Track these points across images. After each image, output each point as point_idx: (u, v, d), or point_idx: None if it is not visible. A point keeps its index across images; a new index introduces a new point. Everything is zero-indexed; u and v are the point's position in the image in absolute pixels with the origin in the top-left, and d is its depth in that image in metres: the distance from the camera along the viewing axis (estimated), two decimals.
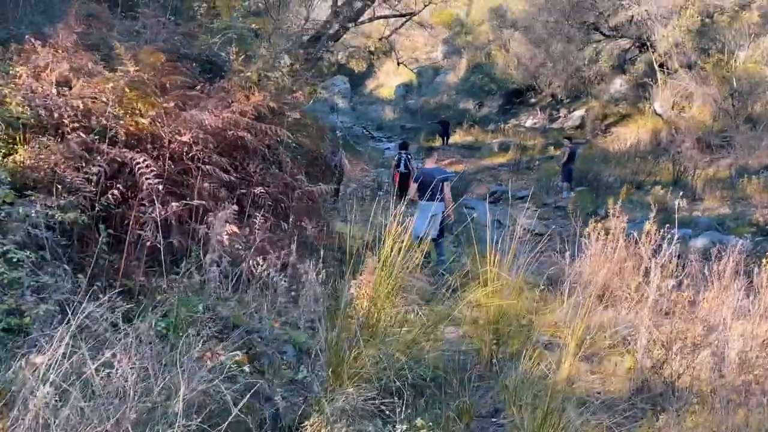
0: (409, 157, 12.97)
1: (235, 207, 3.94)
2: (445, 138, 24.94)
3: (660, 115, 20.15)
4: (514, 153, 20.76)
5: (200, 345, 2.76)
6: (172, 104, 4.56)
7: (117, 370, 2.35)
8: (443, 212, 7.46)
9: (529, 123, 26.90)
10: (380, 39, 17.98)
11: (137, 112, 4.47)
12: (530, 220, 11.05)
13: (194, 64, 6.20)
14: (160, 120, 4.52)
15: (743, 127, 17.04)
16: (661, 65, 19.98)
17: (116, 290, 3.00)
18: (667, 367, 3.93)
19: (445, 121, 25.69)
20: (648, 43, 20.03)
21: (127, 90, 4.39)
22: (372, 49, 32.25)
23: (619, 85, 23.37)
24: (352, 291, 4.61)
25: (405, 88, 38.67)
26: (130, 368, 2.34)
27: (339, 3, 16.62)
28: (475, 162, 20.73)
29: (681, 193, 6.76)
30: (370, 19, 16.74)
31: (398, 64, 20.92)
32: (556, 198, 14.86)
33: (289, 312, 4.13)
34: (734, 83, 17.76)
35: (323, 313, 3.66)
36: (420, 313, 4.70)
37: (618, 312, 5.70)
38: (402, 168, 12.50)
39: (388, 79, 39.51)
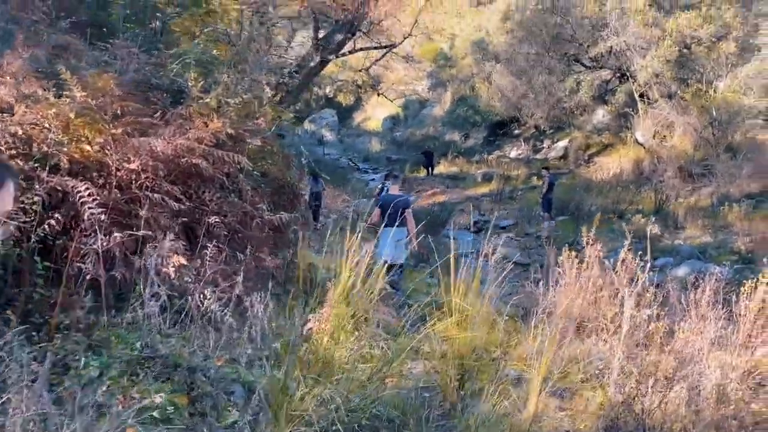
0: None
1: (172, 236, 3.71)
2: (430, 168, 24.94)
3: (642, 145, 20.22)
4: (498, 183, 20.75)
5: (106, 387, 2.50)
6: (120, 131, 4.36)
7: (12, 415, 2.11)
8: (406, 238, 7.41)
9: (513, 154, 26.98)
10: (359, 71, 18.00)
11: (83, 139, 4.27)
12: (508, 249, 10.87)
13: (166, 95, 6.06)
14: (108, 147, 4.32)
15: (724, 155, 17.10)
16: (641, 95, 20.13)
17: (26, 325, 2.73)
18: (638, 402, 3.71)
19: (428, 152, 25.71)
20: (628, 74, 20.21)
21: (72, 116, 4.20)
22: (359, 82, 32.49)
23: (601, 115, 23.52)
24: (310, 325, 4.40)
25: (392, 120, 38.91)
26: (26, 415, 2.09)
27: (320, 36, 16.65)
28: (459, 192, 20.68)
29: (654, 219, 6.60)
30: (351, 51, 16.78)
31: (378, 95, 20.96)
32: (538, 228, 14.74)
33: (240, 349, 3.89)
34: (714, 113, 17.88)
35: (271, 349, 3.42)
36: (384, 347, 4.48)
37: (594, 343, 5.49)
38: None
39: (376, 112, 39.79)
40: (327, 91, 39.51)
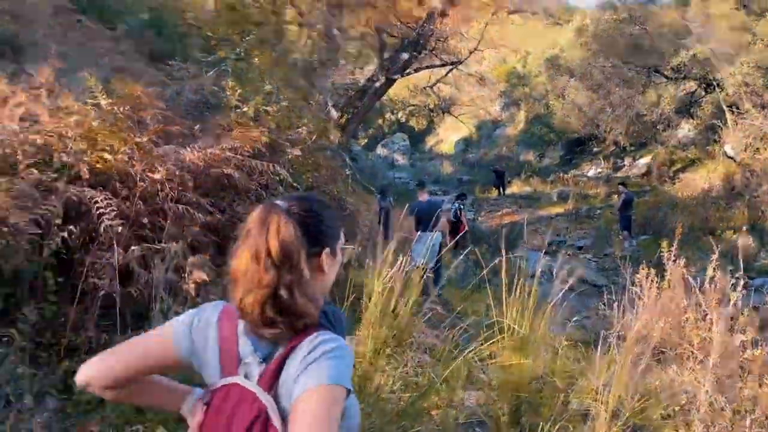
0: (462, 207, 13.16)
1: (177, 247, 3.38)
2: (501, 188, 24.14)
3: (732, 158, 18.76)
4: (574, 202, 19.75)
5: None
6: (146, 139, 4.13)
7: None
8: (441, 242, 7.41)
9: (591, 173, 25.80)
10: (425, 88, 17.65)
11: (106, 148, 4.05)
12: (585, 270, 10.09)
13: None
14: (134, 157, 4.10)
15: None
16: (730, 106, 18.75)
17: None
18: None
19: (499, 171, 24.90)
20: (714, 83, 18.89)
21: (94, 124, 4.00)
22: (431, 106, 32.25)
23: (686, 129, 22.11)
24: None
25: (465, 142, 38.49)
26: None
27: (385, 56, 16.48)
28: (533, 212, 19.82)
29: (744, 227, 5.79)
30: (416, 70, 16.47)
31: (443, 113, 20.56)
32: (618, 248, 13.76)
33: None
34: None
35: None
36: (431, 373, 4.00)
37: (678, 373, 4.76)
38: (452, 217, 12.57)
39: (448, 135, 39.55)
40: (399, 116, 39.57)
